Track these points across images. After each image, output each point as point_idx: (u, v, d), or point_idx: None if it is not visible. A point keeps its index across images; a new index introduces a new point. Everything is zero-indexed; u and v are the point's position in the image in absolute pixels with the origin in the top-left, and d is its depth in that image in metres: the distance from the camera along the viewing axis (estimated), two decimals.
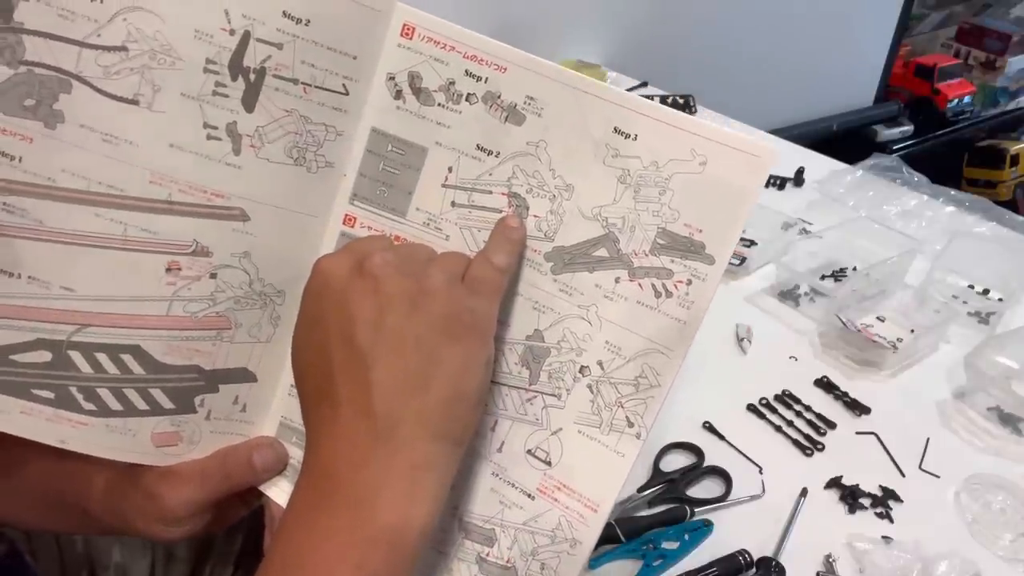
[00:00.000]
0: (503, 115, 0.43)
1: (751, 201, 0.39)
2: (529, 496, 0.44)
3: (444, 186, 0.44)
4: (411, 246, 0.43)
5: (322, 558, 0.37)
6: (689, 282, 0.41)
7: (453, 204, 0.44)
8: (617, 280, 0.42)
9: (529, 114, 0.42)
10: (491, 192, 0.44)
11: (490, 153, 0.44)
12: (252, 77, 0.42)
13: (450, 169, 0.44)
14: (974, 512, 0.68)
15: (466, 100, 0.43)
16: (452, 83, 0.43)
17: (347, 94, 0.44)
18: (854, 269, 0.99)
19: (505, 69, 0.42)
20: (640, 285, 0.42)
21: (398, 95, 0.44)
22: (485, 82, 0.43)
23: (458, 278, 0.40)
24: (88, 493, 0.48)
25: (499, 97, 0.43)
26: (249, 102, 0.43)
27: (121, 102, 0.41)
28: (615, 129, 0.41)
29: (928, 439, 0.76)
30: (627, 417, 0.42)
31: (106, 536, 0.67)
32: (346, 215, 0.46)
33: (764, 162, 0.39)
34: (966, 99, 2.43)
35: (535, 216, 0.43)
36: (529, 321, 0.44)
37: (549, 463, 0.44)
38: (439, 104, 0.44)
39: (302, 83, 0.43)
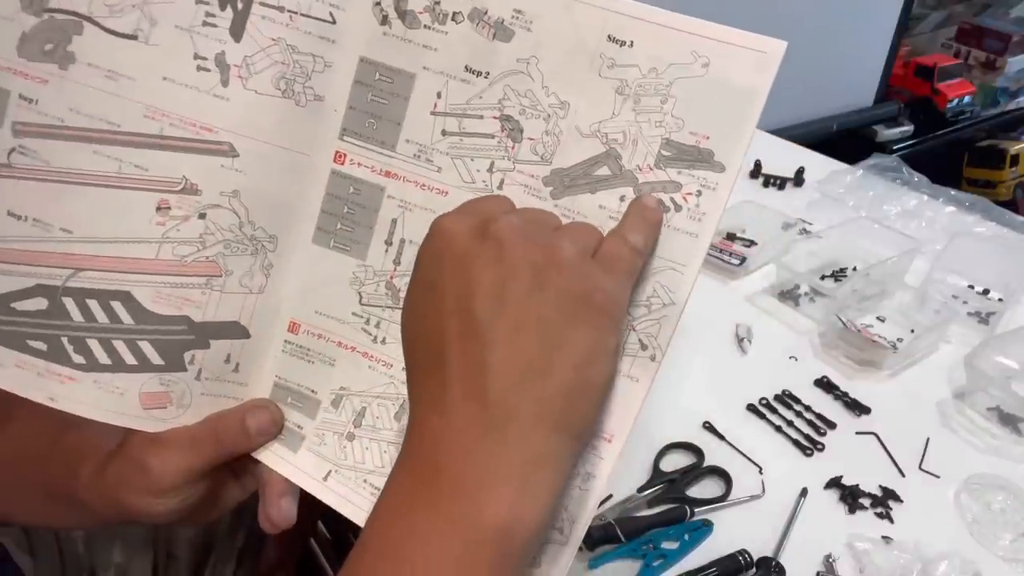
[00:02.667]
0: (491, 32, 0.41)
1: (760, 101, 0.37)
2: None
3: (433, 114, 0.42)
4: (538, 211, 0.40)
5: (420, 556, 0.33)
6: (699, 193, 0.39)
7: (444, 133, 0.42)
8: (622, 199, 0.40)
9: (518, 29, 0.41)
10: (482, 117, 0.42)
11: (479, 74, 0.42)
12: (240, 5, 0.42)
13: (439, 95, 0.42)
14: (974, 512, 0.68)
15: (452, 19, 0.42)
16: (437, 3, 0.42)
17: (334, 23, 0.43)
18: (854, 269, 0.99)
19: None
20: None
21: (384, 20, 0.43)
22: None
23: (589, 252, 0.37)
24: (76, 478, 0.47)
25: (486, 13, 0.41)
26: (237, 31, 0.42)
27: (122, 38, 0.42)
28: (609, 37, 0.39)
29: (928, 439, 0.76)
30: (640, 340, 0.40)
31: (99, 529, 0.66)
32: (336, 152, 0.45)
33: (771, 58, 0.37)
34: (966, 99, 2.43)
35: (530, 139, 0.41)
36: None
37: None
38: (425, 26, 0.42)
39: (288, 11, 0.43)
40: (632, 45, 0.39)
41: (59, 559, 0.66)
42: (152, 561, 0.69)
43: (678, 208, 0.39)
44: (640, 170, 0.40)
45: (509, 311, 0.34)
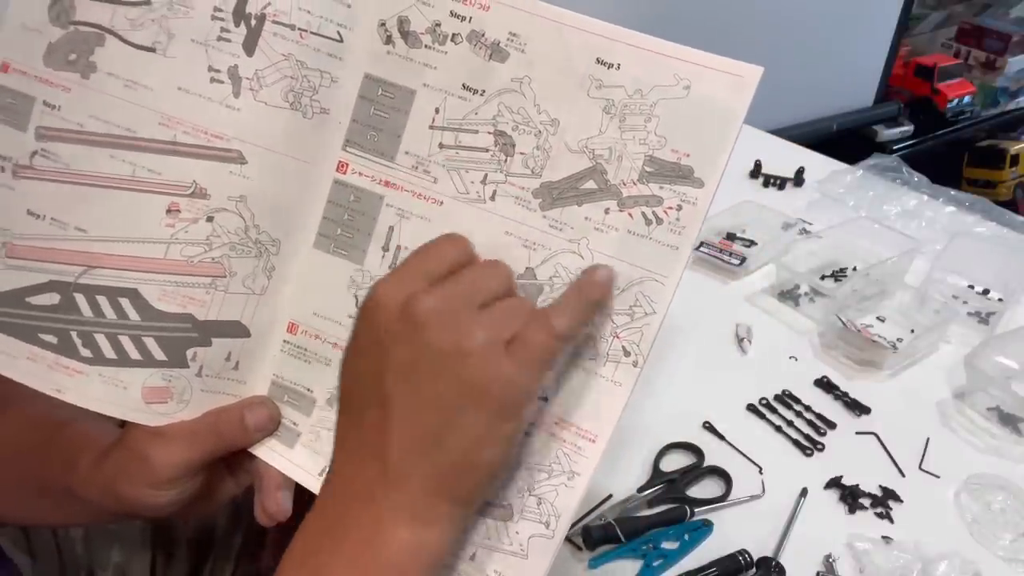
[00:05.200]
0: (487, 53, 0.43)
1: (737, 122, 0.40)
2: (526, 434, 0.44)
3: (431, 128, 0.45)
4: (472, 279, 0.40)
5: None
6: (679, 207, 0.41)
7: (440, 146, 0.45)
8: (607, 211, 0.42)
9: (513, 50, 0.43)
10: (477, 131, 0.44)
11: (475, 92, 0.44)
12: (253, 23, 0.45)
13: (437, 110, 0.45)
14: (974, 512, 0.68)
15: (451, 40, 0.44)
16: (438, 24, 0.44)
17: (341, 41, 0.45)
18: (854, 269, 0.99)
19: (488, 7, 0.43)
20: (630, 214, 0.42)
21: (388, 40, 0.45)
22: (469, 21, 0.44)
23: (502, 340, 0.38)
24: (73, 472, 0.48)
25: (483, 35, 0.43)
26: (249, 46, 0.45)
27: (142, 50, 0.44)
28: (598, 60, 0.42)
29: (928, 439, 0.76)
30: (623, 347, 0.42)
31: (96, 528, 0.66)
32: (339, 162, 0.47)
33: (748, 82, 0.39)
34: (966, 99, 2.43)
35: (521, 153, 0.43)
36: (520, 260, 0.43)
37: (545, 399, 0.44)
38: (426, 46, 0.44)
39: (299, 29, 0.45)
40: (619, 68, 0.41)
41: (58, 559, 0.66)
42: (151, 561, 0.69)
43: (659, 221, 0.42)
44: (624, 184, 0.42)
45: (412, 389, 0.38)
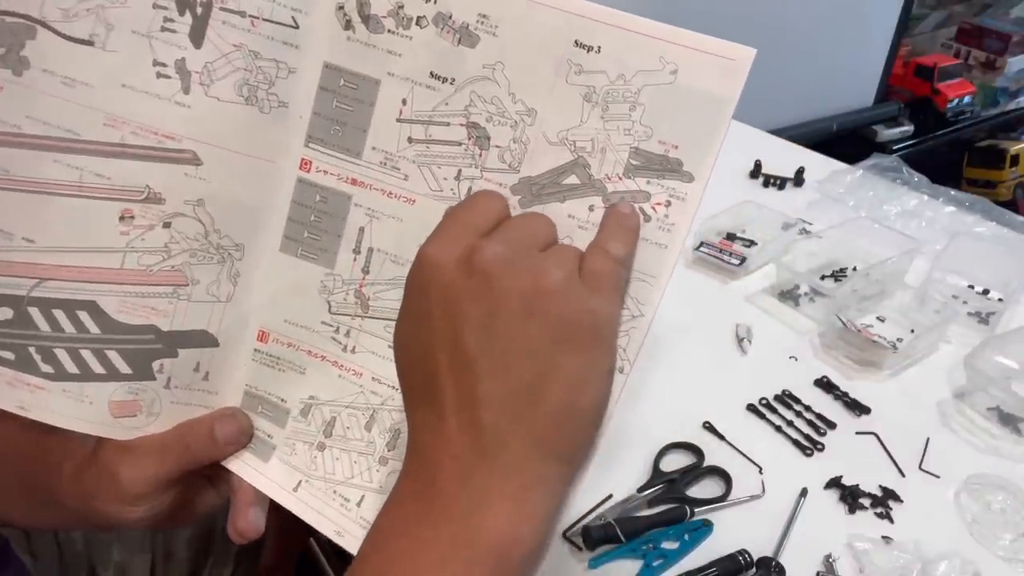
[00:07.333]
0: (456, 37, 0.40)
1: (729, 110, 0.37)
2: None
3: (399, 121, 0.42)
4: (522, 225, 0.38)
5: (421, 569, 0.34)
6: (668, 203, 0.38)
7: (410, 140, 0.42)
8: (591, 208, 0.39)
9: (483, 34, 0.40)
10: (449, 124, 0.41)
11: (445, 80, 0.41)
12: (199, 10, 0.41)
13: (404, 101, 0.41)
14: (974, 512, 0.68)
15: (416, 24, 0.40)
16: (401, 7, 0.41)
17: (297, 27, 0.42)
18: (854, 269, 0.99)
19: None
20: None
21: (348, 25, 0.42)
22: (435, 3, 0.40)
23: (575, 273, 0.36)
24: (57, 478, 0.47)
25: (450, 18, 0.40)
26: (197, 37, 0.41)
27: (78, 43, 0.41)
28: (576, 42, 0.38)
29: (928, 439, 0.76)
30: None
31: (90, 531, 0.66)
32: (302, 159, 0.44)
33: (740, 66, 0.36)
34: (966, 99, 2.43)
35: (497, 147, 0.40)
36: None
37: None
38: (388, 31, 0.41)
39: (249, 16, 0.41)
40: (599, 51, 0.38)
41: (58, 558, 0.66)
42: (151, 560, 0.69)
43: (647, 218, 0.39)
44: (609, 179, 0.39)
45: (497, 343, 0.34)
